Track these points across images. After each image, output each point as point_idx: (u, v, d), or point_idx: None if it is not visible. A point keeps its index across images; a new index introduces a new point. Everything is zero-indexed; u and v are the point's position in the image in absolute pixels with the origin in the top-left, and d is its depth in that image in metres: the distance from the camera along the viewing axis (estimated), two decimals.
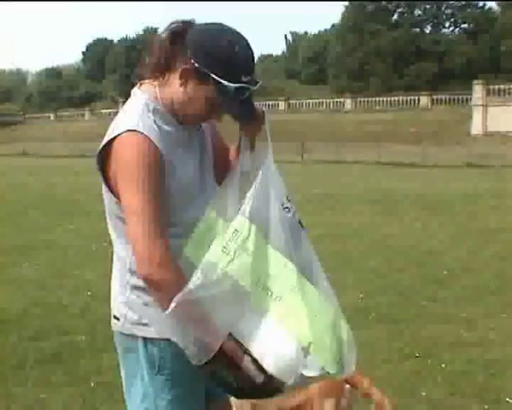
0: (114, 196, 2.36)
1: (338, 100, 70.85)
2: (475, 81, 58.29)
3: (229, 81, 2.30)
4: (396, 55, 74.02)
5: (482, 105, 56.48)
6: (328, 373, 2.32)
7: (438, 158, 40.52)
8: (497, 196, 20.23)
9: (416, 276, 9.23)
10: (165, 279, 2.24)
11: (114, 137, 2.30)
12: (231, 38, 2.33)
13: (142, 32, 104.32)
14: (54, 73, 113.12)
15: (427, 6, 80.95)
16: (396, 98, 66.69)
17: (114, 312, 2.52)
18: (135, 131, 2.28)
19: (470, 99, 58.54)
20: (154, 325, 2.40)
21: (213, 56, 2.30)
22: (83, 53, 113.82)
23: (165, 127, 2.38)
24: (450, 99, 62.68)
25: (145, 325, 2.43)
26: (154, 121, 2.35)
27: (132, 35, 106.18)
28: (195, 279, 2.23)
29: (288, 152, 45.65)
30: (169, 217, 2.35)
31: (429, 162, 40.35)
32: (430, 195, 20.82)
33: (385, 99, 67.31)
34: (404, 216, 15.75)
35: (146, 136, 2.28)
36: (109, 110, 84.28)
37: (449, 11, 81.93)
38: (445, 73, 71.72)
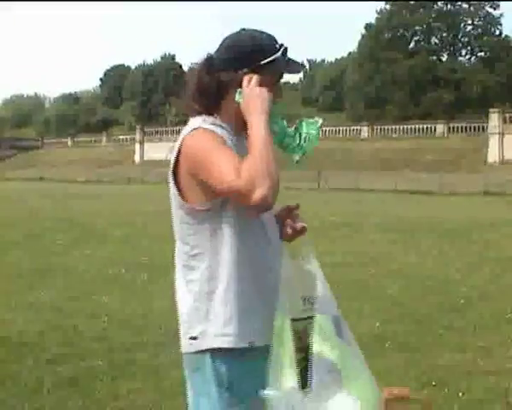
0: (186, 201, 2.43)
1: (354, 128, 71.01)
2: (492, 109, 58.40)
3: (275, 54, 2.46)
4: (413, 83, 74.09)
5: (498, 133, 56.47)
6: None
7: (454, 186, 40.45)
8: None
9: (432, 304, 9.18)
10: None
11: (181, 146, 2.40)
12: (246, 33, 2.53)
13: (159, 59, 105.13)
14: (71, 99, 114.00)
15: (444, 34, 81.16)
16: (412, 126, 66.76)
17: (191, 333, 2.49)
18: (199, 127, 2.40)
19: (486, 127, 58.56)
20: None
21: (247, 51, 2.47)
22: (100, 79, 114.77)
23: (227, 134, 2.45)
24: (466, 127, 62.68)
25: (225, 335, 2.43)
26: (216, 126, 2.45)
27: (150, 61, 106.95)
28: None
29: (305, 180, 45.72)
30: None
31: (446, 190, 40.30)
32: (447, 223, 20.75)
33: (401, 127, 67.38)
34: (420, 244, 15.71)
35: (210, 128, 2.39)
36: (126, 136, 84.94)
37: (465, 39, 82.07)
38: (462, 101, 71.67)
